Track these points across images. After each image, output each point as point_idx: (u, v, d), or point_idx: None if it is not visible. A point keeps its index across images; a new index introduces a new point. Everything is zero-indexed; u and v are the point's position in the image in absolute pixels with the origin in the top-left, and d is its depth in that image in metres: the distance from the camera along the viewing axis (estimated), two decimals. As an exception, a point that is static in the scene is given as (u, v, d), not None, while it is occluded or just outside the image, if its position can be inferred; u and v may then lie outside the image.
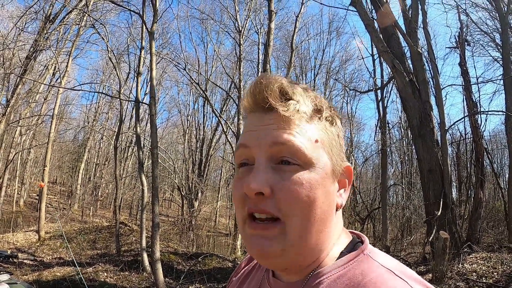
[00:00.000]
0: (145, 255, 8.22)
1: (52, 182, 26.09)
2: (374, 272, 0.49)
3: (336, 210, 0.56)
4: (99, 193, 21.04)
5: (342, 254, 0.55)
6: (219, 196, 23.67)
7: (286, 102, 0.52)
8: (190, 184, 16.52)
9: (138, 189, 15.62)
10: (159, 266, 7.18)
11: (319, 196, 0.51)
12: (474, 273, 5.57)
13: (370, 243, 0.57)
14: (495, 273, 5.46)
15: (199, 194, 16.59)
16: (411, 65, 6.79)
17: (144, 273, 8.05)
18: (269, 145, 0.51)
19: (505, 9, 8.61)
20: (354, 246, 0.57)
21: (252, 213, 0.52)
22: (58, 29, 13.90)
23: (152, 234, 7.75)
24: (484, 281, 5.31)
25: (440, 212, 5.94)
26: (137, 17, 10.79)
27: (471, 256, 6.15)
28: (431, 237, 5.99)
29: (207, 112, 20.50)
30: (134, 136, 13.04)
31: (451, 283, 5.39)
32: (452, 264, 5.76)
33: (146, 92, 17.63)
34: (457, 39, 9.32)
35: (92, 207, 19.88)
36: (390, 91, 14.80)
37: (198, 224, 14.85)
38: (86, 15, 12.63)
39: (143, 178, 8.64)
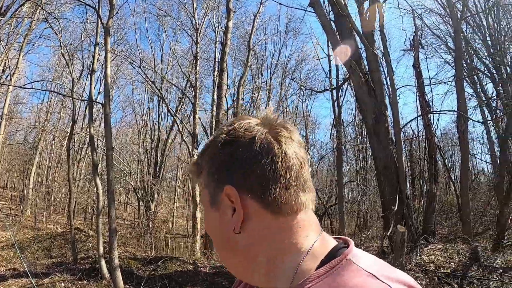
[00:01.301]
0: (103, 262, 7.87)
1: (2, 187, 24.37)
2: (356, 278, 0.50)
3: (237, 232, 0.57)
4: (52, 198, 19.82)
5: (323, 263, 0.54)
6: (176, 197, 23.29)
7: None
8: (146, 186, 16.13)
9: (93, 192, 14.92)
10: (118, 273, 6.89)
11: (212, 228, 0.61)
12: (432, 264, 5.84)
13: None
14: (452, 263, 5.76)
15: (156, 196, 16.22)
16: (367, 66, 6.99)
17: (103, 281, 7.70)
18: None
19: (459, 15, 9.13)
20: (337, 252, 0.56)
21: None
22: (9, 22, 12.98)
23: (110, 240, 7.40)
24: (442, 271, 5.58)
25: (396, 207, 6.16)
26: (93, 11, 10.30)
27: (428, 248, 6.45)
28: (389, 232, 6.19)
29: (162, 112, 20.08)
30: (88, 137, 12.42)
31: (410, 275, 5.56)
32: (410, 256, 6.00)
33: (100, 90, 16.89)
34: (411, 42, 9.76)
35: (45, 212, 18.68)
36: (345, 91, 15.34)
37: (155, 226, 14.46)
38: (40, 8, 11.90)
39: (98, 181, 8.22)
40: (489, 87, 15.16)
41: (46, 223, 17.25)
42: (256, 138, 0.57)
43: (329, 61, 14.55)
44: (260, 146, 0.57)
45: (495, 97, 13.68)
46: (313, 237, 0.58)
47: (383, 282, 0.48)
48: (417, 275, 5.63)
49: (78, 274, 8.12)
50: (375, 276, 0.49)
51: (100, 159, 16.13)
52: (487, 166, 17.68)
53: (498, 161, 11.15)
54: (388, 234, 6.32)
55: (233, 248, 0.58)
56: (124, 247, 10.74)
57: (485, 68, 14.14)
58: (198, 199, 11.75)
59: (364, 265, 0.52)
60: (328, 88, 13.80)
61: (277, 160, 0.56)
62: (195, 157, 0.68)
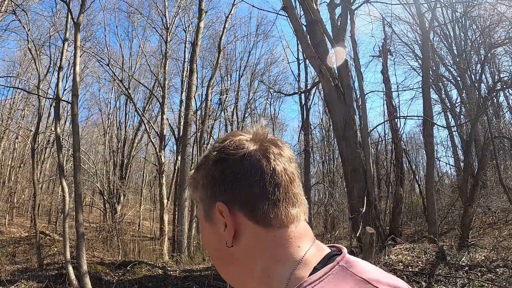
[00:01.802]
0: (70, 268, 7.59)
1: (-40, 188, 22.85)
2: (348, 284, 0.51)
3: (230, 246, 0.59)
4: (15, 200, 18.85)
5: (315, 270, 0.55)
6: (142, 198, 22.80)
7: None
8: (112, 187, 15.72)
9: (57, 194, 14.34)
10: (87, 280, 6.68)
11: (207, 240, 0.64)
12: (400, 263, 6.03)
13: None
14: (419, 262, 5.97)
15: (122, 198, 15.82)
16: (337, 71, 7.15)
17: (72, 288, 7.38)
18: None
19: (427, 25, 9.50)
20: (329, 259, 0.57)
21: None
22: (-27, 13, 12.21)
23: (78, 245, 7.16)
24: (411, 269, 5.77)
25: (364, 208, 6.32)
26: (62, 5, 9.93)
27: (395, 247, 6.65)
28: (358, 233, 6.34)
29: (129, 111, 19.59)
30: (53, 136, 11.91)
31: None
32: (379, 256, 6.16)
33: (66, 88, 16.28)
34: (380, 49, 10.07)
35: (7, 215, 17.74)
36: (314, 94, 15.60)
37: (122, 229, 14.08)
38: (8, -1, 11.31)
39: (64, 183, 7.93)
40: (454, 93, 15.94)
41: (9, 226, 16.41)
42: (245, 155, 0.59)
43: (298, 64, 14.76)
44: (249, 163, 0.59)
45: (459, 103, 14.40)
46: (305, 247, 0.59)
47: (374, 286, 0.50)
48: (386, 274, 5.81)
49: (45, 281, 7.82)
50: (366, 281, 0.51)
51: (65, 160, 15.54)
52: (450, 168, 18.54)
53: (462, 164, 11.69)
54: (357, 235, 6.48)
55: (228, 260, 0.61)
56: (91, 251, 10.40)
57: (450, 76, 14.84)
58: (165, 201, 11.56)
59: (356, 271, 0.53)
60: (297, 91, 13.96)
61: (265, 177, 0.58)
62: (192, 171, 0.69)
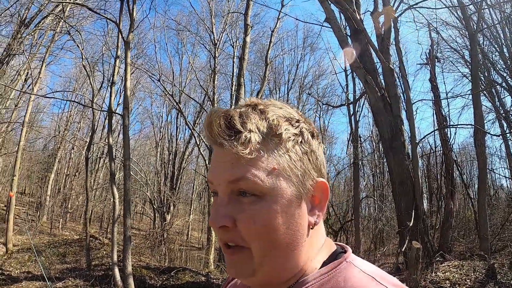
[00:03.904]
0: (116, 270, 7.94)
1: (20, 193, 24.86)
2: (355, 278, 0.52)
3: (311, 228, 0.56)
4: (69, 205, 20.20)
5: (324, 264, 0.57)
6: (192, 209, 23.28)
7: (235, 136, 0.52)
8: (162, 197, 16.22)
9: (109, 202, 15.14)
10: (131, 281, 6.94)
11: (279, 224, 0.52)
12: (447, 281, 5.71)
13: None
14: (467, 280, 5.62)
15: (171, 207, 16.28)
16: (383, 81, 6.99)
17: (116, 288, 7.76)
18: (226, 184, 0.54)
19: (474, 27, 9.05)
20: (336, 256, 0.58)
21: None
22: (32, 33, 13.52)
23: (124, 248, 7.49)
24: (458, 288, 5.45)
25: (412, 222, 6.06)
26: (113, 25, 10.64)
27: (443, 264, 6.30)
28: (404, 247, 6.09)
29: (180, 125, 20.30)
30: (106, 146, 12.66)
31: (425, 293, 5.50)
32: (425, 273, 5.87)
33: (119, 102, 17.27)
34: (427, 56, 9.70)
35: (61, 219, 19.03)
36: (362, 106, 15.21)
37: (170, 237, 14.54)
38: (62, 21, 12.36)
39: (115, 190, 8.39)
40: (508, 100, 14.85)
41: (62, 229, 17.55)
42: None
43: (346, 75, 14.53)
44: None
45: (514, 109, 13.39)
46: (324, 236, 0.62)
47: (382, 284, 0.50)
48: (431, 292, 5.52)
49: (91, 280, 8.25)
50: (374, 278, 0.51)
51: (118, 169, 16.43)
52: (506, 181, 17.18)
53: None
54: (403, 250, 6.22)
55: (296, 245, 0.54)
56: (138, 256, 10.83)
57: (503, 81, 13.88)
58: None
59: (364, 268, 0.54)
60: (344, 103, 13.75)
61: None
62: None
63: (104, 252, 10.58)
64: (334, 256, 0.58)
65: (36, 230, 14.43)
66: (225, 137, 0.52)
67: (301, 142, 0.56)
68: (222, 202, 0.54)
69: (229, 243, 0.55)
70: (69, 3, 11.73)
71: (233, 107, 0.57)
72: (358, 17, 7.11)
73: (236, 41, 15.70)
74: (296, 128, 0.56)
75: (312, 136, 0.58)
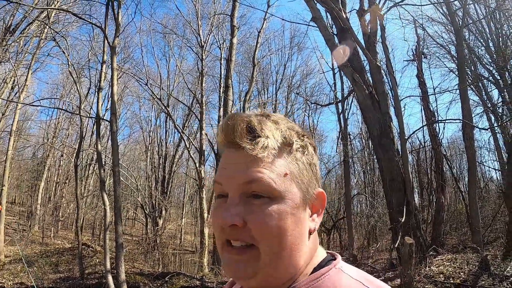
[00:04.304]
0: (110, 278, 7.87)
1: (10, 202, 24.44)
2: (344, 283, 0.54)
3: (310, 234, 0.60)
4: (60, 213, 19.92)
5: (314, 270, 0.59)
6: (184, 213, 23.20)
7: (254, 140, 0.56)
8: (154, 202, 16.15)
9: (100, 209, 14.97)
10: (124, 288, 6.86)
11: (289, 225, 0.56)
12: (441, 275, 5.76)
13: (337, 252, 0.64)
14: (461, 273, 5.68)
15: (163, 212, 16.20)
16: (370, 78, 7.02)
17: (110, 297, 7.66)
18: (240, 184, 0.56)
19: (460, 23, 9.15)
20: (326, 263, 0.61)
21: (229, 240, 0.57)
22: (18, 40, 13.31)
23: (116, 255, 7.42)
24: (452, 281, 5.49)
25: (404, 218, 6.10)
26: (99, 30, 10.53)
27: (437, 258, 6.36)
28: (396, 243, 6.13)
29: (169, 128, 20.16)
30: (95, 153, 12.52)
31: (420, 286, 5.53)
32: (419, 267, 5.92)
33: (107, 107, 17.10)
34: (414, 52, 9.80)
35: (53, 228, 18.77)
36: (351, 104, 15.29)
37: (163, 242, 14.44)
38: (47, 27, 12.19)
39: (105, 197, 8.29)
40: (495, 93, 15.04)
41: (53, 238, 17.30)
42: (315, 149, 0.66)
43: (334, 74, 14.60)
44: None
45: (501, 103, 13.58)
46: (317, 244, 0.64)
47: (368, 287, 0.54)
48: (426, 286, 5.54)
49: (85, 289, 8.15)
50: (362, 283, 0.54)
51: (108, 175, 16.24)
52: (496, 173, 17.43)
53: (506, 168, 10.99)
54: (395, 246, 6.25)
55: (298, 248, 0.57)
56: (131, 262, 10.72)
57: (489, 75, 14.07)
58: (205, 215, 11.72)
59: (352, 274, 0.57)
60: (333, 101, 13.82)
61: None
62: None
63: (97, 260, 10.46)
64: (324, 263, 0.61)
65: (28, 239, 14.21)
66: (246, 140, 0.56)
67: (306, 154, 0.61)
68: (233, 202, 0.56)
69: (235, 243, 0.56)
70: (53, 9, 11.58)
71: (245, 113, 0.60)
72: (344, 16, 7.13)
73: (223, 43, 15.66)
74: (302, 141, 0.61)
75: (314, 150, 0.64)
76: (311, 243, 0.61)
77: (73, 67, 11.54)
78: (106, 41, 9.10)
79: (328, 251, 0.66)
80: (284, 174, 0.56)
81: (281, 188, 0.56)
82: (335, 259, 0.62)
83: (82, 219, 12.56)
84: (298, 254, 0.57)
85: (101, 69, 10.05)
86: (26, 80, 13.14)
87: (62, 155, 21.64)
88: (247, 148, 0.55)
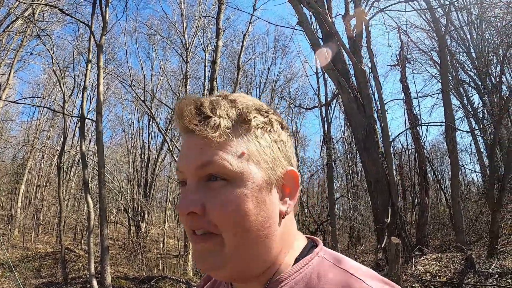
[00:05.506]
0: (94, 282, 7.71)
1: (-11, 206, 23.68)
2: (328, 273, 0.52)
3: (282, 218, 0.55)
4: (41, 217, 19.39)
5: (297, 260, 0.56)
6: (166, 216, 22.97)
7: (205, 121, 0.53)
8: (136, 205, 15.92)
9: (82, 212, 14.67)
10: (109, 293, 6.73)
11: (250, 209, 0.51)
12: (427, 274, 5.85)
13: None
14: (447, 272, 5.78)
15: (146, 215, 15.98)
16: (355, 82, 7.13)
17: (94, 302, 7.51)
18: (195, 169, 0.53)
19: (443, 29, 9.40)
20: (308, 250, 0.58)
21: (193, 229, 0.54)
22: (0, 38, 12.94)
23: (102, 258, 7.27)
24: (438, 280, 5.59)
25: (389, 219, 6.19)
26: (85, 29, 10.40)
27: (422, 258, 6.47)
28: (383, 244, 6.21)
29: (152, 131, 19.93)
30: (77, 155, 12.29)
31: (407, 285, 5.62)
32: (405, 267, 6.00)
33: (90, 109, 16.83)
34: (398, 57, 10.01)
35: (33, 232, 18.26)
36: (334, 108, 15.50)
37: (147, 247, 14.22)
38: (32, 24, 11.92)
39: (89, 199, 8.14)
40: (475, 98, 15.52)
41: (35, 242, 16.84)
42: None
43: (318, 78, 14.74)
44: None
45: (481, 107, 14.01)
46: (295, 229, 0.61)
47: (355, 276, 0.50)
48: (413, 285, 5.64)
49: (68, 294, 7.97)
50: (347, 271, 0.52)
51: (91, 177, 15.92)
52: (476, 175, 17.92)
53: (488, 170, 11.32)
54: (382, 246, 6.34)
55: (268, 233, 0.53)
56: (115, 267, 10.54)
57: (471, 80, 14.51)
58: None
59: (336, 261, 0.54)
60: (317, 105, 13.95)
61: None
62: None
63: (80, 264, 10.24)
64: (306, 251, 0.58)
65: (8, 244, 13.78)
66: (195, 122, 0.52)
67: (270, 130, 0.56)
68: (191, 188, 0.53)
69: (198, 231, 0.53)
70: (40, 4, 11.33)
71: (196, 95, 0.56)
72: (330, 20, 7.23)
73: (208, 46, 15.66)
74: (265, 117, 0.56)
75: (282, 127, 0.59)
76: (285, 228, 0.56)
77: (58, 66, 11.30)
78: (92, 39, 8.95)
79: (308, 236, 0.63)
80: (240, 154, 0.52)
81: (238, 168, 0.51)
82: (316, 245, 0.59)
83: (64, 223, 12.27)
84: (267, 241, 0.53)
85: (86, 68, 9.87)
86: (8, 79, 12.81)
87: (43, 157, 21.12)
88: (197, 130, 0.52)
